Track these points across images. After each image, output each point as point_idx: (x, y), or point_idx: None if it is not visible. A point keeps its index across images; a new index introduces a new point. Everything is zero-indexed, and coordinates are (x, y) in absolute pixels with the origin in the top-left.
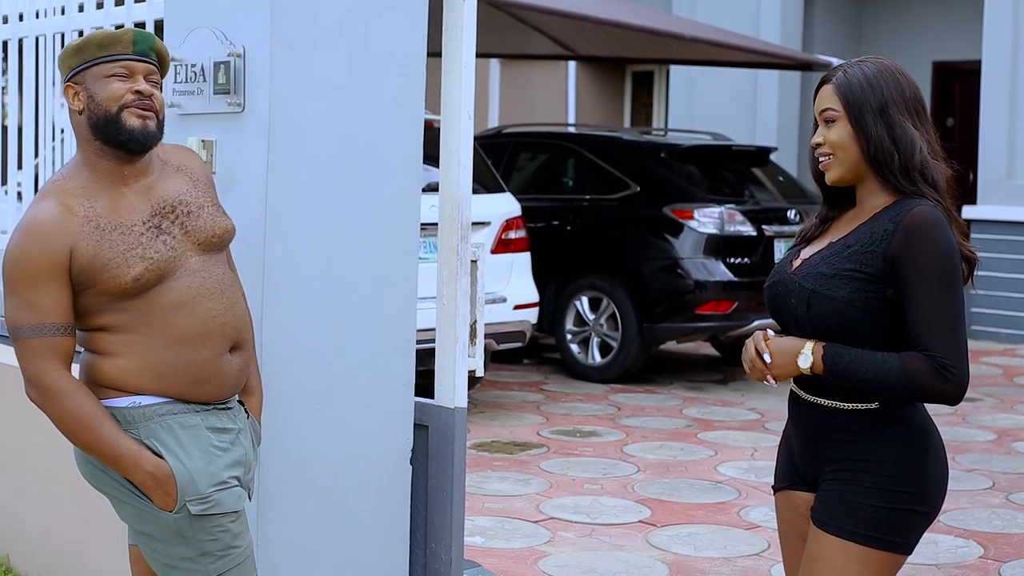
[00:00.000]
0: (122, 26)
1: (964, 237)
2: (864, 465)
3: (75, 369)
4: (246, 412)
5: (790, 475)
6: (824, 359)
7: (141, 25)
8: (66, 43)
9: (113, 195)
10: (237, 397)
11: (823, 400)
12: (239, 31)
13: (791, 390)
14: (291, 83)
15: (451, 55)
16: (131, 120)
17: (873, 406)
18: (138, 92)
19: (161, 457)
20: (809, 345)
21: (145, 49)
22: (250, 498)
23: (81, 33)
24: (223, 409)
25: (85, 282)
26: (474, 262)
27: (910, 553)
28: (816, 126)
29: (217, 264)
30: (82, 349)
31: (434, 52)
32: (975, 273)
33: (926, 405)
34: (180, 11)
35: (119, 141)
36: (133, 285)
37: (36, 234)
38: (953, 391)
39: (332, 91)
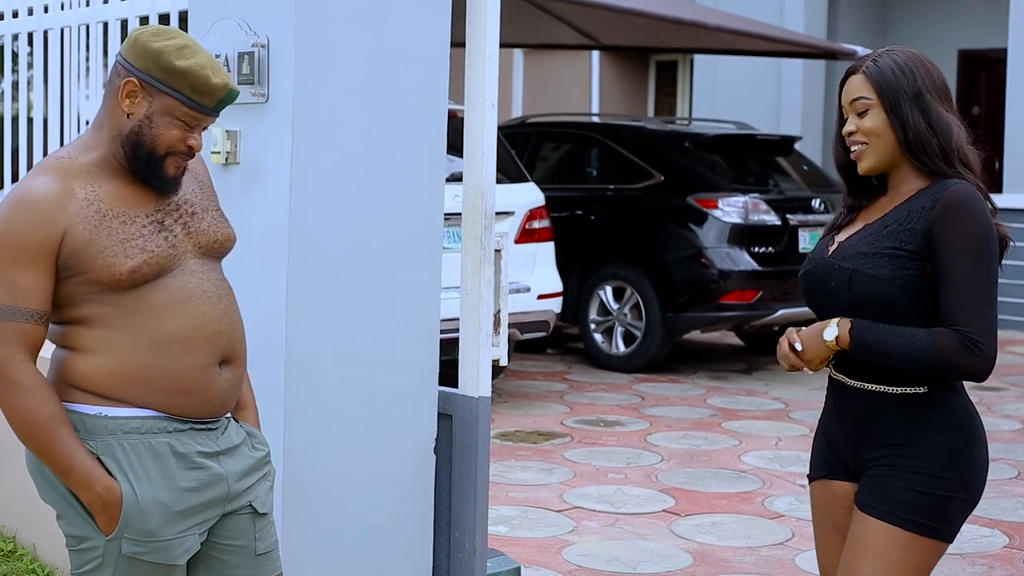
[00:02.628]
0: (166, 18)
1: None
2: (910, 450)
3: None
4: (239, 425)
5: (828, 464)
6: (851, 332)
7: (165, 17)
8: (92, 33)
9: (118, 183)
10: (230, 415)
11: (869, 385)
12: (263, 22)
13: (832, 378)
14: (315, 73)
15: (475, 45)
16: (170, 168)
17: (921, 390)
18: (190, 147)
19: (113, 477)
20: (835, 320)
21: (224, 107)
22: (258, 511)
23: (106, 26)
24: (203, 429)
25: (74, 268)
26: (498, 251)
27: (951, 541)
28: (841, 117)
29: (216, 271)
30: (53, 346)
31: (457, 42)
32: (1005, 256)
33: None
34: (204, 2)
35: (145, 177)
36: (128, 277)
37: (28, 209)
38: (980, 367)
39: (356, 81)
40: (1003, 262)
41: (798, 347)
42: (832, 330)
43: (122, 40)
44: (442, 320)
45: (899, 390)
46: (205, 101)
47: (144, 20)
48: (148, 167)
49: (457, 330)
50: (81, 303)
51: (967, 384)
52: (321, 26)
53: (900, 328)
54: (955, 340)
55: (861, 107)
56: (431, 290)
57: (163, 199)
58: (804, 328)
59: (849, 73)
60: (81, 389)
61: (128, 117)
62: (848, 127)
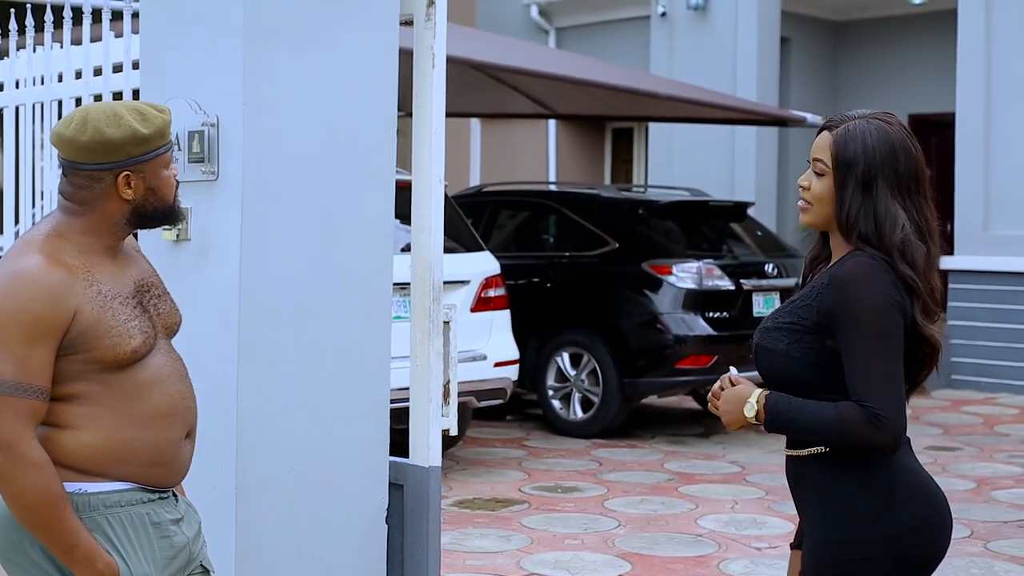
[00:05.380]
0: (119, 96)
1: (931, 317)
2: (825, 518)
3: None
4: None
5: (799, 534)
6: (766, 407)
7: (119, 95)
8: (61, 113)
9: (108, 264)
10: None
11: (788, 451)
12: (213, 101)
13: None
14: (264, 150)
15: (421, 121)
16: (178, 203)
17: (825, 450)
18: (175, 176)
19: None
20: (756, 394)
21: None
22: (209, 571)
23: (60, 104)
24: (166, 498)
25: (79, 346)
26: (447, 323)
27: None
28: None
29: (174, 350)
30: None
31: (408, 112)
32: (937, 364)
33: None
34: (156, 81)
35: (166, 222)
36: (131, 356)
37: (41, 287)
38: (886, 441)
39: (305, 157)
40: (955, 324)
41: (718, 405)
42: (751, 407)
43: None
44: (395, 389)
45: (807, 451)
46: (168, 135)
47: (97, 98)
48: (164, 219)
49: (409, 399)
50: (72, 380)
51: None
52: (270, 104)
53: (812, 403)
54: (859, 414)
55: (817, 168)
56: (380, 362)
57: (138, 279)
58: (735, 386)
59: (824, 127)
60: (62, 465)
61: (130, 202)
62: (802, 180)
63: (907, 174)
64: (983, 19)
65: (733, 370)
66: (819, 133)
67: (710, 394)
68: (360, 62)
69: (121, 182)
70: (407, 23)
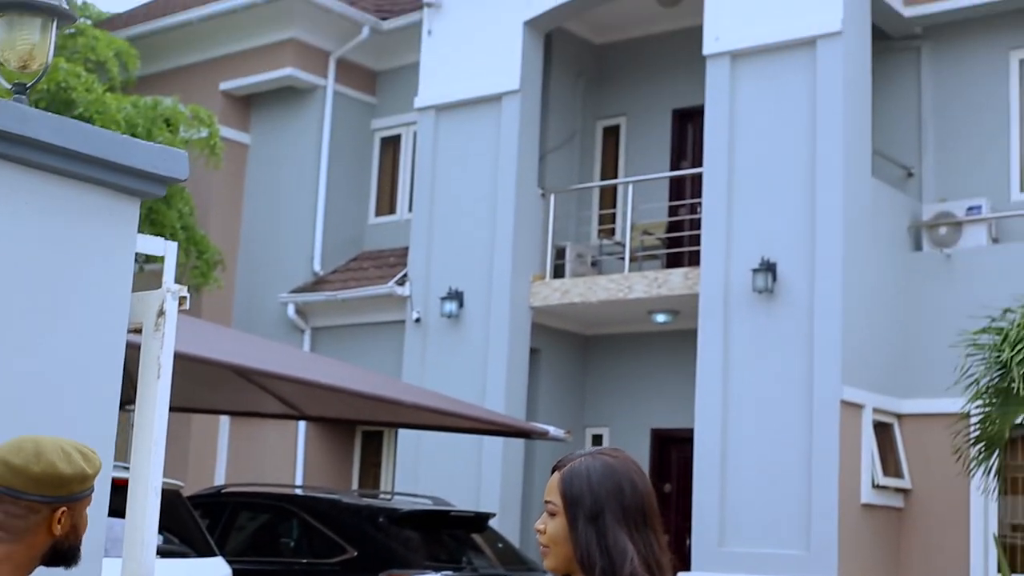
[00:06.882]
0: None
1: None
2: None
3: None
4: None
5: None
6: None
7: None
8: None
9: None
10: None
11: None
12: None
13: None
14: None
15: (142, 432)
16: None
17: None
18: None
19: None
20: None
21: None
22: None
23: None
24: None
25: None
26: None
27: None
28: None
29: None
30: None
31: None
32: None
33: None
34: None
35: (66, 562)
36: None
37: None
38: None
39: None
40: None
41: None
42: None
43: None
44: None
45: None
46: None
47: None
48: (69, 559)
49: None
50: None
51: None
52: None
53: None
54: None
55: (549, 509)
56: None
57: None
58: None
59: (554, 468)
60: None
61: (55, 537)
62: (538, 524)
63: (633, 507)
64: (721, 339)
65: None
66: (551, 475)
67: None
68: (83, 365)
69: (55, 517)
70: (136, 331)
